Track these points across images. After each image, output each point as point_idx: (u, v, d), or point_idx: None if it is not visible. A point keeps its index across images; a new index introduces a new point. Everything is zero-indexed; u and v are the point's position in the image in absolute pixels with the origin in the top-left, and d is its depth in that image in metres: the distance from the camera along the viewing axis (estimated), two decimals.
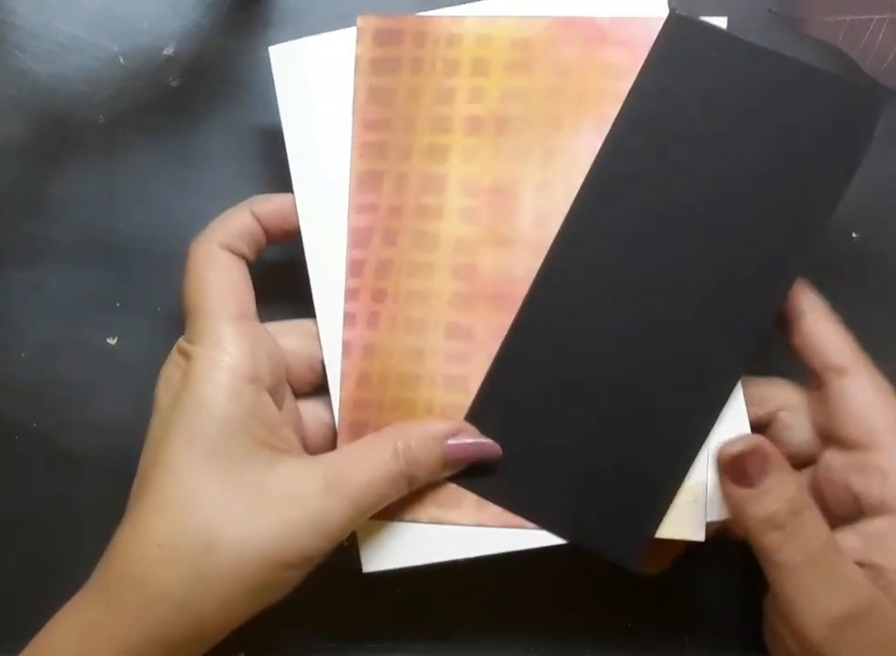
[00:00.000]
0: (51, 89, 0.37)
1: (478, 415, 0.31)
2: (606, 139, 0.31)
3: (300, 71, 0.33)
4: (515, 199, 0.32)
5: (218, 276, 0.30)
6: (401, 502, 0.31)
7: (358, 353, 0.32)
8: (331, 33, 0.33)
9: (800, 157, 0.30)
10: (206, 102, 0.37)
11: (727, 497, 0.29)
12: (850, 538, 0.29)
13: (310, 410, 0.33)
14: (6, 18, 0.37)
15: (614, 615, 0.37)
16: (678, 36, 0.31)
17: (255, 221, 0.31)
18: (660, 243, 0.31)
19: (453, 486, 0.31)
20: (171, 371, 0.30)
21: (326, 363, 0.32)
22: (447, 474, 0.31)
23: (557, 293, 0.31)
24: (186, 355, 0.29)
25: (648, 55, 0.31)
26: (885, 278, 0.37)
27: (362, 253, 0.32)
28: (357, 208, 0.32)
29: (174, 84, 0.37)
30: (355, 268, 0.32)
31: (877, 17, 0.37)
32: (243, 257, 0.31)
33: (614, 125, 0.31)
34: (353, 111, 0.32)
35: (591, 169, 0.31)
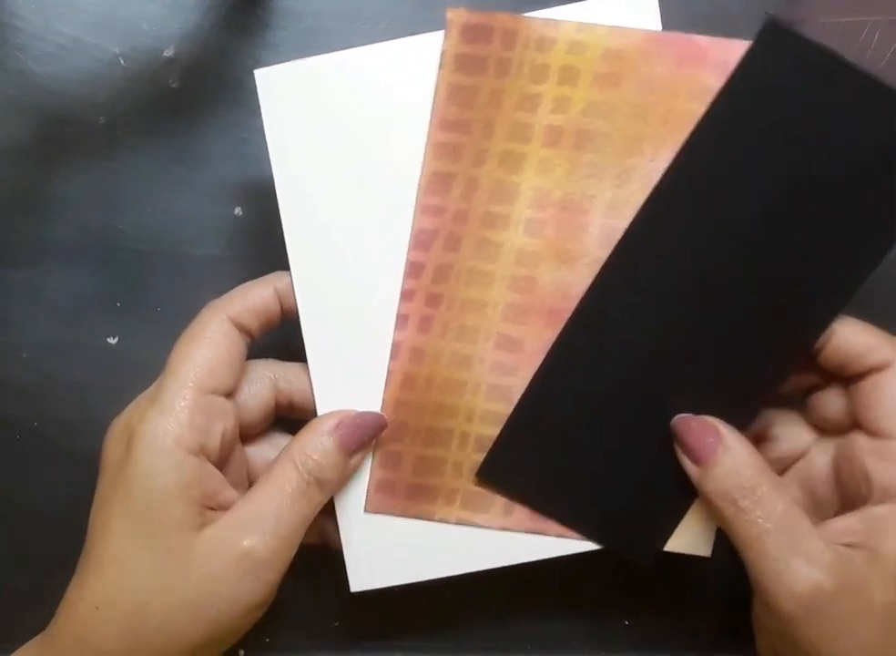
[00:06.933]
0: (51, 90, 0.37)
1: (518, 422, 0.32)
2: (677, 157, 0.30)
3: (289, 97, 0.31)
4: (584, 217, 0.31)
5: (207, 349, 0.30)
6: (431, 503, 0.32)
7: (406, 354, 0.32)
8: (324, 55, 0.31)
9: (874, 190, 0.29)
10: (206, 103, 0.37)
11: (685, 469, 0.30)
12: (850, 522, 0.29)
13: (259, 453, 0.33)
14: (7, 20, 0.37)
15: (612, 614, 0.37)
16: (771, 47, 0.29)
17: (275, 299, 0.31)
18: (714, 267, 0.30)
19: (482, 492, 0.32)
20: (122, 426, 0.30)
21: (316, 394, 0.32)
22: (356, 462, 0.31)
23: (604, 310, 0.31)
24: (141, 415, 0.29)
25: (739, 62, 0.30)
26: (882, 279, 0.37)
27: (423, 256, 0.31)
28: (423, 209, 0.31)
29: (174, 85, 0.37)
30: (414, 270, 0.31)
31: (873, 19, 0.37)
32: (249, 334, 0.31)
33: (688, 139, 0.30)
34: (432, 108, 0.31)
35: (654, 188, 0.31)
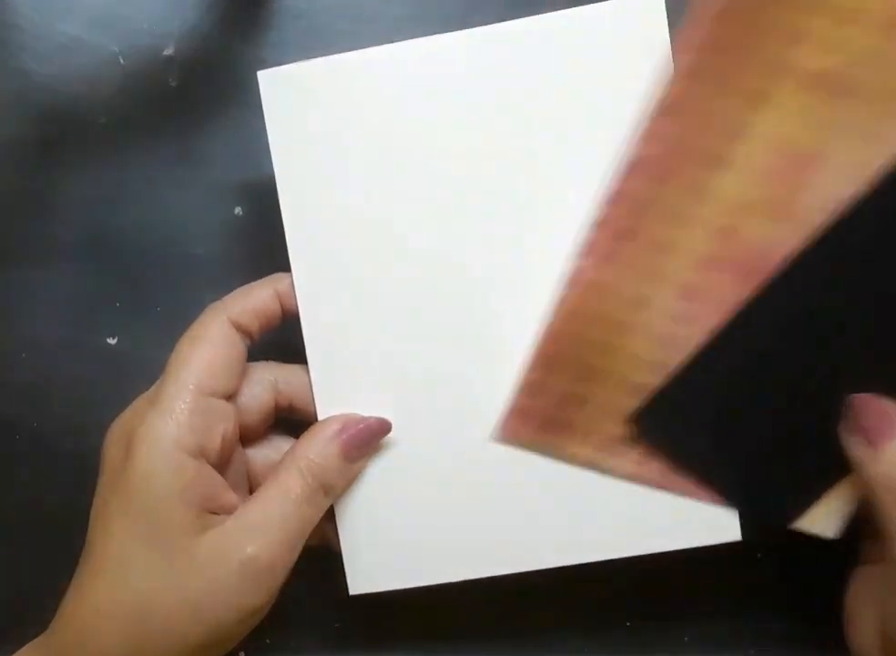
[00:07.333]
0: (52, 89, 0.37)
1: (685, 375, 0.30)
2: None
3: (292, 98, 0.31)
4: (815, 176, 0.28)
5: (207, 351, 0.30)
6: (567, 438, 0.31)
7: (580, 286, 0.30)
8: (328, 57, 0.31)
9: None
10: (206, 102, 0.37)
11: (848, 448, 0.29)
12: None
13: (259, 455, 0.33)
14: (7, 19, 0.37)
15: (612, 614, 0.37)
16: None
17: (276, 300, 0.31)
18: None
19: (620, 437, 0.31)
20: (121, 428, 0.30)
21: (316, 398, 0.32)
22: (359, 466, 0.31)
23: (810, 276, 0.29)
24: (140, 417, 0.29)
25: None
26: None
27: (623, 186, 0.29)
28: (645, 136, 0.28)
29: (174, 84, 0.37)
30: (611, 199, 0.29)
31: None
32: (249, 336, 0.31)
33: None
34: (691, 23, 0.28)
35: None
